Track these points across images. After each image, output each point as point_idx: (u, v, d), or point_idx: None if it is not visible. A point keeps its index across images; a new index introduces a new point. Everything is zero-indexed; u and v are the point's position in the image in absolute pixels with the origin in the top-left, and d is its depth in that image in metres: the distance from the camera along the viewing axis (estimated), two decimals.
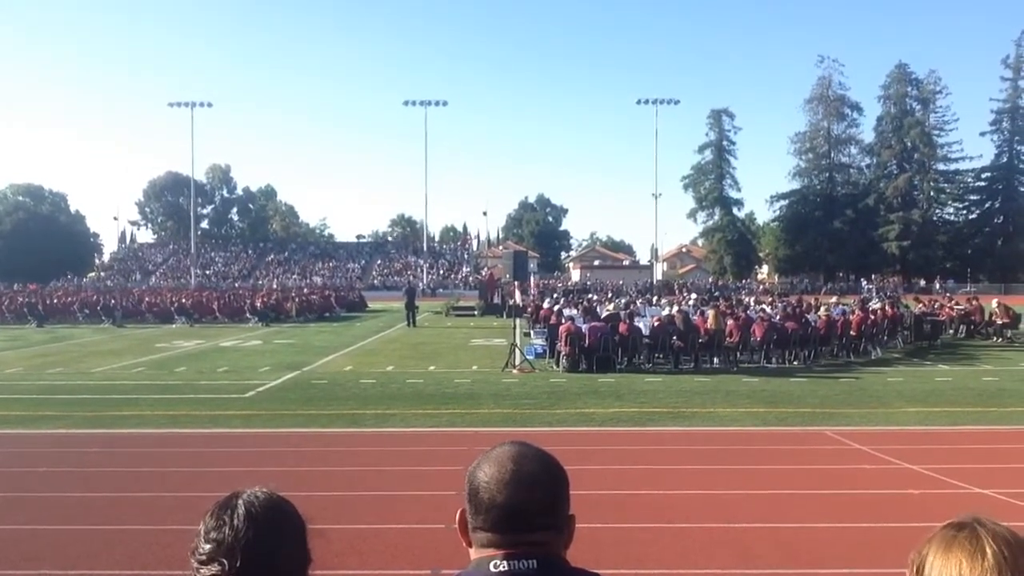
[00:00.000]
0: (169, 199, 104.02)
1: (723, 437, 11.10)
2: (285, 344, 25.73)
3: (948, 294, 38.31)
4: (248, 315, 37.00)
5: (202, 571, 1.36)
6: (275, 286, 62.71)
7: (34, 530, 6.90)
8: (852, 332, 21.11)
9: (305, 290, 52.52)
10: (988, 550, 1.24)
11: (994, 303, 27.83)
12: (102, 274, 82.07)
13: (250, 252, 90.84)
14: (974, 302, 28.72)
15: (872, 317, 22.28)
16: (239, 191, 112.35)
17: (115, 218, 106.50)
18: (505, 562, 1.44)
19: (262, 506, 1.44)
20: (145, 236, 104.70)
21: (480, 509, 1.49)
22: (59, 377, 17.65)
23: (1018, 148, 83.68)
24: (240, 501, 1.43)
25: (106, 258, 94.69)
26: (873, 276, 78.25)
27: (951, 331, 26.94)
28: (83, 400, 14.18)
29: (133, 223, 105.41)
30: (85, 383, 16.58)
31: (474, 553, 1.51)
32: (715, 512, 7.39)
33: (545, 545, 1.48)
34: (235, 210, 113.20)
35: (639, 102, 74.07)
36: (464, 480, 1.54)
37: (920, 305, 28.41)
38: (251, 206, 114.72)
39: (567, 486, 1.56)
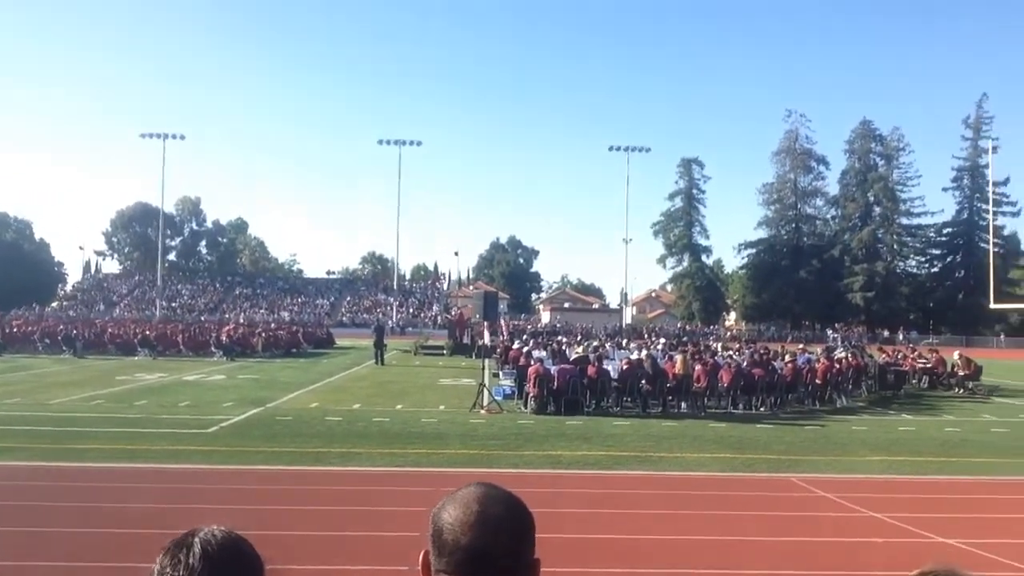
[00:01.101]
0: (137, 230, 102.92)
1: (690, 482, 11.09)
2: (250, 379, 25.38)
3: (911, 345, 38.89)
4: (213, 349, 36.47)
5: None
6: (242, 320, 62.02)
7: None
8: (817, 380, 21.31)
9: (272, 325, 52.03)
10: None
11: (956, 355, 28.30)
12: (65, 304, 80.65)
13: (218, 286, 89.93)
14: (935, 354, 29.18)
15: (837, 366, 22.53)
16: (208, 224, 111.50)
17: (81, 247, 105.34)
18: None
19: (219, 545, 1.40)
20: (111, 266, 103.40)
21: (444, 551, 1.47)
22: (16, 408, 17.21)
23: (978, 205, 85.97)
24: (196, 540, 1.39)
25: (70, 287, 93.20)
26: (838, 325, 79.34)
27: (914, 381, 27.31)
28: (41, 432, 13.81)
29: (99, 253, 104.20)
30: (43, 414, 16.18)
31: None
32: (681, 557, 7.36)
33: None
34: (204, 243, 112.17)
35: (611, 148, 75.19)
36: (428, 521, 1.52)
37: (884, 355, 28.79)
38: (220, 239, 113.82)
39: (533, 529, 1.54)
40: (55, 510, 8.76)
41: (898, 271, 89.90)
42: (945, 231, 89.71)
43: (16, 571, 6.58)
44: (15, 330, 40.16)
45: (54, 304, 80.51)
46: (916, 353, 30.54)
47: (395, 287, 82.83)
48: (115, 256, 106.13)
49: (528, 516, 1.53)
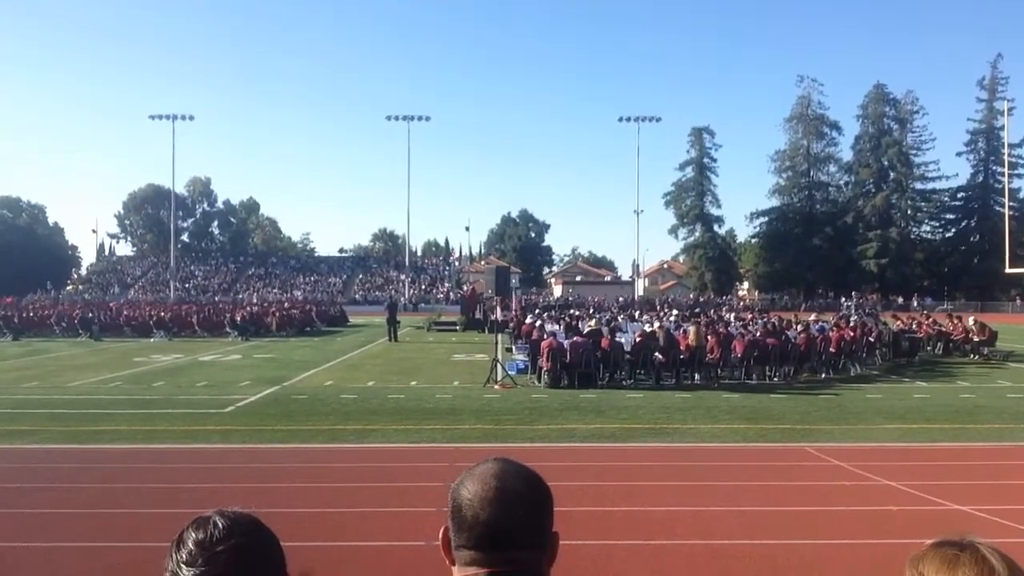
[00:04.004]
0: (149, 212, 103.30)
1: (704, 453, 11.12)
2: (265, 359, 25.54)
3: (926, 312, 38.66)
4: (228, 329, 36.70)
5: None
6: (255, 300, 62.29)
7: (7, 548, 6.79)
8: (831, 349, 21.25)
9: (286, 304, 52.23)
10: (997, 570, 1.24)
11: (971, 321, 28.14)
12: (80, 287, 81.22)
13: (230, 266, 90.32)
14: (956, 321, 28.98)
15: (851, 334, 22.45)
16: (220, 204, 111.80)
17: (94, 231, 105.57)
18: None
19: (240, 520, 1.42)
20: (124, 249, 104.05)
21: (463, 527, 1.49)
22: (35, 391, 17.41)
23: (993, 168, 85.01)
24: (217, 516, 1.41)
25: (84, 271, 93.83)
26: (852, 293, 78.92)
27: (929, 348, 27.20)
28: (59, 415, 13.99)
29: (112, 236, 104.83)
30: (61, 397, 16.37)
31: (457, 571, 1.50)
32: (696, 528, 7.39)
33: (529, 563, 1.48)
34: (216, 223, 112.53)
35: (621, 119, 74.75)
36: (447, 497, 1.54)
37: (898, 322, 28.66)
38: (232, 219, 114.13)
39: (551, 503, 1.56)
40: (75, 491, 8.88)
41: (912, 237, 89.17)
42: (960, 195, 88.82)
43: (38, 552, 6.68)
44: (32, 314, 40.50)
45: (69, 287, 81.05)
46: (931, 320, 30.38)
47: (407, 263, 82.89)
48: (128, 238, 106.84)
49: (546, 490, 1.55)
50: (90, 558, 6.54)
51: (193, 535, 1.38)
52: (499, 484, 1.49)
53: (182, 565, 1.36)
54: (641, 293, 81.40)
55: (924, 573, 1.31)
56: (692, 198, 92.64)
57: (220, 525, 1.39)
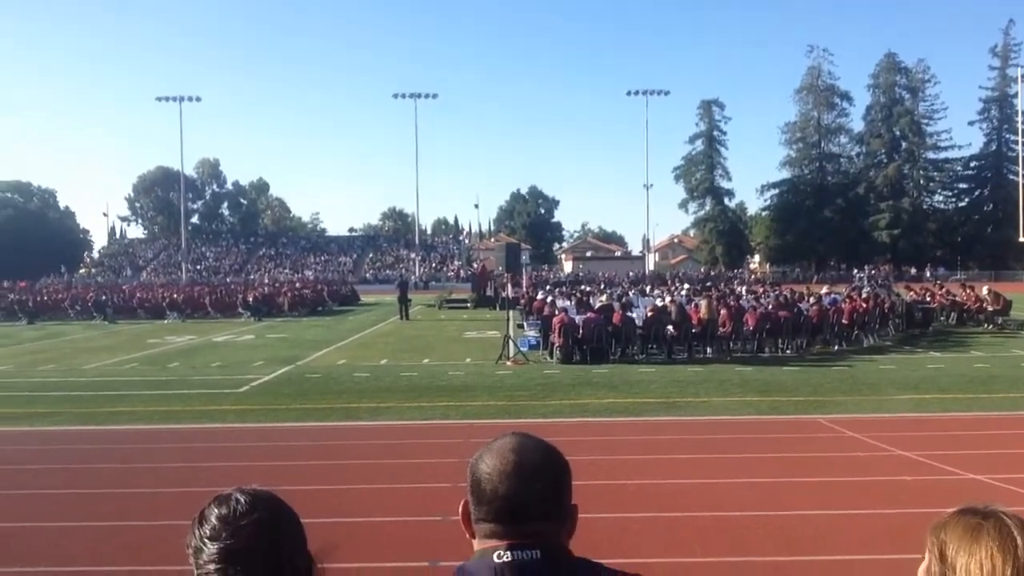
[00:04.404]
0: (159, 194, 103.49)
1: (717, 426, 11.14)
2: (278, 338, 25.67)
3: (939, 282, 38.43)
4: (240, 310, 36.87)
5: (206, 568, 1.36)
6: (267, 280, 62.52)
7: (28, 527, 6.89)
8: (844, 320, 21.17)
9: (297, 284, 52.39)
10: (1019, 539, 1.24)
11: (985, 290, 27.97)
12: (92, 270, 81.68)
13: (241, 246, 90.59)
14: (969, 291, 28.81)
15: (864, 305, 22.35)
16: (229, 185, 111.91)
17: (105, 214, 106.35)
18: (508, 552, 1.45)
19: (260, 495, 1.44)
20: (135, 232, 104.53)
21: (483, 500, 1.50)
22: (51, 374, 17.58)
23: (1006, 136, 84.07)
24: (238, 493, 1.43)
25: (96, 254, 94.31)
26: (865, 265, 78.55)
27: (942, 318, 27.08)
28: (75, 397, 14.12)
29: (123, 219, 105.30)
30: (77, 380, 16.52)
31: (477, 544, 1.52)
32: (710, 501, 7.42)
33: (548, 535, 1.49)
34: (226, 204, 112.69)
35: (629, 93, 74.19)
36: (466, 472, 1.55)
37: (911, 293, 28.51)
38: (242, 200, 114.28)
39: (569, 476, 1.57)
40: (94, 471, 8.99)
41: (924, 207, 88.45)
42: (972, 164, 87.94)
43: (58, 532, 6.77)
44: (46, 298, 40.81)
45: (82, 271, 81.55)
46: (944, 290, 30.22)
47: (416, 242, 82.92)
48: (139, 221, 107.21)
49: (564, 464, 1.56)
50: (107, 537, 6.62)
51: (216, 511, 1.41)
52: (517, 458, 1.50)
53: (206, 540, 1.38)
54: (652, 268, 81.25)
55: (947, 541, 1.30)
56: (702, 171, 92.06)
57: (242, 501, 1.42)
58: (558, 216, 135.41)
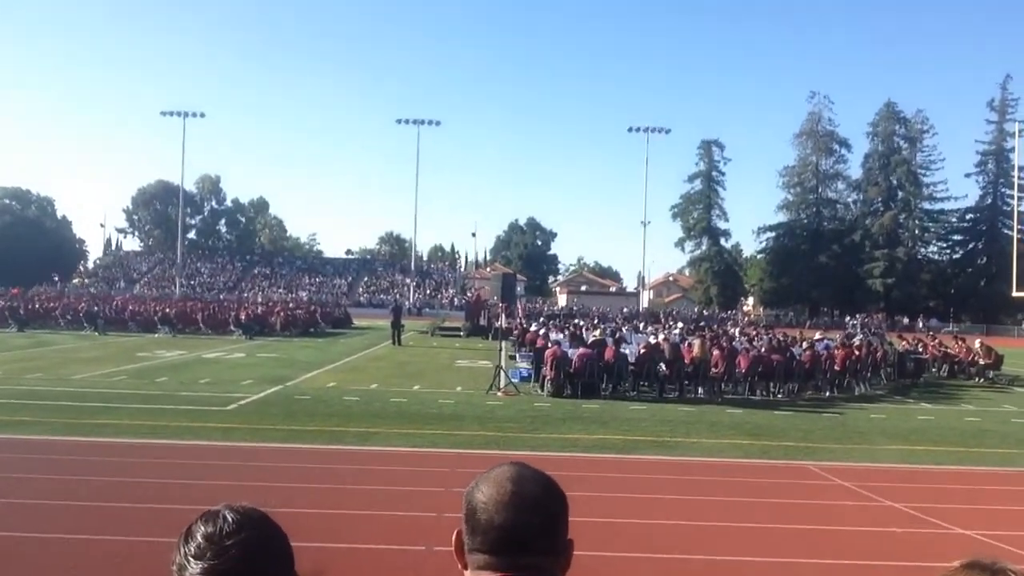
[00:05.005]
0: (158, 208, 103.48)
1: (706, 468, 11.07)
2: (269, 358, 25.55)
3: (932, 333, 38.53)
4: (232, 327, 36.72)
5: None
6: (260, 299, 62.34)
7: (7, 537, 6.77)
8: (836, 367, 21.17)
9: (291, 304, 52.27)
10: None
11: (977, 343, 28.03)
12: (86, 280, 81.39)
13: (237, 264, 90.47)
14: (961, 343, 28.85)
15: (856, 353, 22.37)
16: (228, 202, 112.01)
17: (102, 225, 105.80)
18: None
19: (249, 514, 1.40)
20: (131, 244, 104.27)
21: (478, 530, 1.47)
22: (38, 383, 17.43)
23: (1002, 190, 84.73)
24: (226, 510, 1.40)
25: (91, 264, 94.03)
26: (858, 313, 78.71)
27: (934, 370, 27.10)
28: (62, 407, 13.99)
29: (120, 230, 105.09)
30: (65, 390, 16.39)
31: (469, 575, 1.49)
32: (696, 543, 7.36)
33: (543, 570, 1.46)
34: (224, 221, 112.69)
35: (631, 129, 74.82)
36: (461, 500, 1.52)
37: (904, 343, 28.56)
38: (240, 218, 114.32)
39: (567, 510, 1.54)
40: (77, 483, 8.87)
41: (919, 257, 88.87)
42: (968, 217, 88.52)
43: (36, 543, 6.67)
44: (37, 306, 40.61)
45: (75, 281, 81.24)
46: (937, 342, 30.26)
47: (412, 268, 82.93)
48: (136, 234, 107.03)
49: (562, 496, 1.54)
50: (88, 549, 6.52)
51: (202, 528, 1.37)
52: (515, 488, 1.47)
53: (190, 558, 1.34)
54: (646, 305, 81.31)
55: None
56: (699, 211, 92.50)
57: (230, 519, 1.38)
58: (555, 249, 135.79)
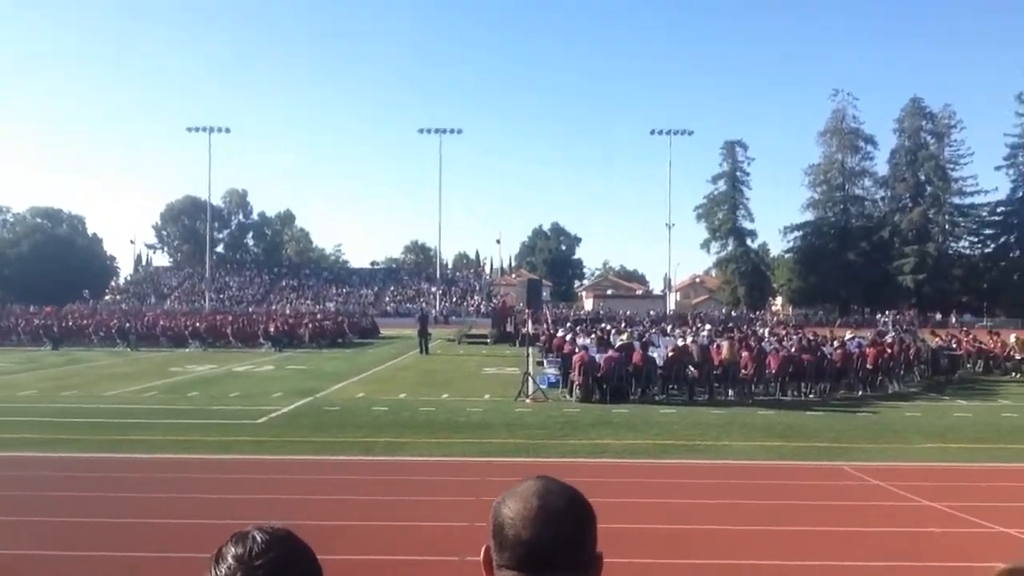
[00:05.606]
0: (186, 223, 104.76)
1: (739, 471, 10.97)
2: (298, 370, 25.74)
3: (965, 328, 37.97)
4: (261, 340, 37.06)
5: None
6: (288, 311, 62.86)
7: (44, 556, 6.86)
8: (868, 365, 20.91)
9: (318, 316, 52.63)
10: None
11: (1012, 338, 27.57)
12: (117, 297, 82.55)
13: (264, 277, 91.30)
14: (996, 338, 28.38)
15: (888, 351, 22.08)
16: (255, 216, 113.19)
17: (132, 241, 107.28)
18: None
19: (278, 535, 1.42)
20: (161, 260, 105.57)
21: (505, 546, 1.46)
22: (73, 400, 17.68)
23: None
24: (256, 531, 1.41)
25: (122, 281, 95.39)
26: (888, 310, 77.77)
27: (969, 366, 26.68)
28: (97, 424, 14.18)
29: (150, 246, 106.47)
30: (99, 406, 16.61)
31: None
32: (732, 548, 7.27)
33: None
34: (251, 235, 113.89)
35: (653, 132, 74.47)
36: (488, 515, 1.51)
37: (937, 339, 28.16)
38: (267, 231, 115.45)
39: (594, 523, 1.53)
40: (112, 500, 8.97)
41: (950, 252, 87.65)
42: (999, 210, 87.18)
43: (75, 560, 6.75)
44: (70, 324, 41.25)
45: (107, 297, 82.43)
46: (971, 337, 29.80)
47: (438, 276, 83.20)
48: (165, 249, 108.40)
49: (589, 509, 1.52)
50: (125, 568, 6.58)
51: (232, 550, 1.40)
52: (541, 503, 1.46)
53: None
54: (673, 307, 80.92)
55: None
56: (724, 211, 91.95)
57: (259, 540, 1.41)
58: (579, 253, 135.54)
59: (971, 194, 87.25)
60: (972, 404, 18.69)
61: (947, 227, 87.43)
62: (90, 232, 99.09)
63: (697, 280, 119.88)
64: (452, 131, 76.15)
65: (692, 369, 18.86)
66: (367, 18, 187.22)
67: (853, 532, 7.84)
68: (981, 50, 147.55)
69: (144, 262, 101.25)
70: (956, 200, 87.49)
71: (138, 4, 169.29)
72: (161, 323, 42.28)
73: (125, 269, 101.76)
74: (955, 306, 79.96)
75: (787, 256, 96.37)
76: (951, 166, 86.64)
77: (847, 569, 6.67)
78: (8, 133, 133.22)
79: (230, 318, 44.99)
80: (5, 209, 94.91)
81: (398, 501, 9.01)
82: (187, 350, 34.88)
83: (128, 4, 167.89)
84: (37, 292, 70.93)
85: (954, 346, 27.19)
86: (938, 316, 75.25)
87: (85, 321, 42.38)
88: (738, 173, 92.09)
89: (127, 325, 39.24)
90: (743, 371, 19.28)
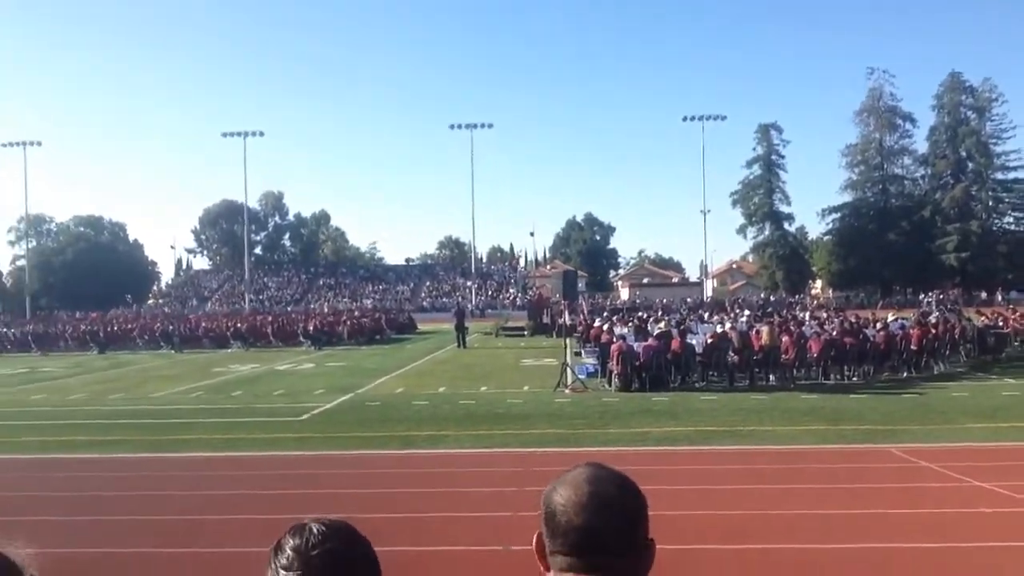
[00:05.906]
0: (224, 226, 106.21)
1: (784, 456, 10.86)
2: (338, 367, 25.99)
3: (1012, 306, 37.14)
4: (301, 339, 37.49)
5: None
6: (326, 310, 63.48)
7: (104, 553, 7.03)
8: (912, 347, 20.55)
9: (356, 313, 53.07)
10: None
11: None
12: (160, 301, 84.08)
13: (302, 276, 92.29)
14: None
15: (933, 331, 21.68)
16: (291, 217, 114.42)
17: (172, 246, 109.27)
18: None
19: (335, 526, 1.45)
20: (201, 263, 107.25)
21: (557, 532, 1.47)
22: (121, 402, 18.06)
23: None
24: (313, 524, 1.44)
25: (164, 285, 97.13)
26: (932, 290, 76.36)
27: (1016, 344, 26.10)
28: (145, 425, 14.49)
29: (189, 251, 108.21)
30: (147, 408, 16.96)
31: None
32: (784, 533, 7.22)
33: (625, 569, 1.45)
34: (287, 235, 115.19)
35: (685, 119, 73.76)
36: (540, 503, 1.52)
37: (983, 318, 27.59)
38: (303, 231, 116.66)
39: (646, 510, 1.53)
40: (162, 499, 9.15)
41: (994, 229, 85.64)
42: None
43: (132, 557, 6.91)
44: (116, 328, 42.08)
45: (150, 302, 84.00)
46: (1018, 315, 29.15)
47: (473, 270, 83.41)
48: (204, 253, 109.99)
49: (640, 496, 1.53)
50: (181, 564, 6.72)
51: (291, 541, 1.44)
52: (592, 489, 1.47)
53: (280, 570, 1.41)
54: (710, 294, 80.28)
55: None
56: (760, 196, 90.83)
57: (316, 531, 1.44)
58: (614, 243, 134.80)
59: (1014, 169, 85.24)
60: (1020, 383, 18.28)
61: (990, 203, 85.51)
62: (131, 239, 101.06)
63: (734, 266, 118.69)
64: (483, 126, 76.21)
65: (732, 355, 18.70)
66: (396, 17, 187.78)
67: (903, 514, 7.73)
68: (1021, 21, 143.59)
69: (184, 266, 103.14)
70: (999, 176, 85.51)
71: (172, 11, 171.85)
72: (203, 325, 42.96)
73: (166, 274, 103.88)
74: (1001, 284, 78.22)
75: (826, 239, 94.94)
76: (993, 141, 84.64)
77: (899, 551, 6.58)
78: (54, 145, 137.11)
79: (270, 318, 45.58)
80: (49, 219, 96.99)
81: (441, 493, 9.08)
82: (229, 350, 35.41)
83: (163, 12, 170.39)
84: (82, 299, 72.48)
85: (1000, 324, 26.63)
86: (983, 294, 73.69)
87: (129, 325, 43.22)
88: (773, 156, 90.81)
89: (170, 328, 39.94)
90: (784, 356, 19.06)
